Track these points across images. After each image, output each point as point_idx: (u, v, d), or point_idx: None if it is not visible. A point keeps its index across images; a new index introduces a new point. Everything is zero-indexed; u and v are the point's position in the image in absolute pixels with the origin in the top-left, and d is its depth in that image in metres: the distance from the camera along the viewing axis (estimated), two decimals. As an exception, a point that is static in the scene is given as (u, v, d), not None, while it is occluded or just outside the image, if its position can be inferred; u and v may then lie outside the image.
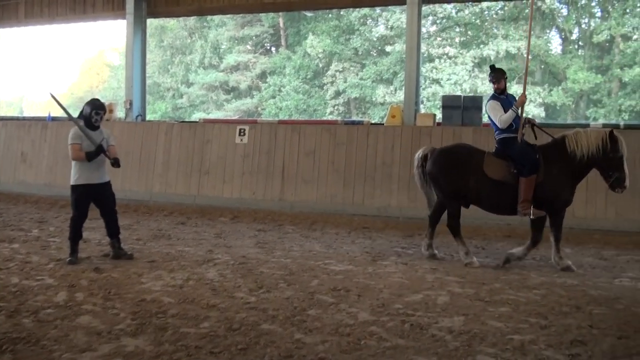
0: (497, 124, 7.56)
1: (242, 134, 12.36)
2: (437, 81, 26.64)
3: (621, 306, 5.78)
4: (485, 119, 11.86)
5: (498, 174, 7.46)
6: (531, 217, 7.37)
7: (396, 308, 5.42)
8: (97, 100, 7.48)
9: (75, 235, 7.19)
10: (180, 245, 8.36)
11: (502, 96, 7.69)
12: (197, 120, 13.91)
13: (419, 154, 8.16)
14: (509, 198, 7.44)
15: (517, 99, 7.67)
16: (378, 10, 28.29)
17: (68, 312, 5.12)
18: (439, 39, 28.21)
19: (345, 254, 7.99)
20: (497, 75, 7.70)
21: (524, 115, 7.74)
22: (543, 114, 25.31)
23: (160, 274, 6.50)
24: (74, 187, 7.21)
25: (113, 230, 7.38)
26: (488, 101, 7.76)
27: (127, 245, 7.73)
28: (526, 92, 7.79)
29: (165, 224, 10.30)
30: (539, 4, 26.30)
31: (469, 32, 28.48)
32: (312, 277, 6.53)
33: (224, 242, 8.67)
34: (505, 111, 7.50)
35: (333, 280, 6.44)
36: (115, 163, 7.26)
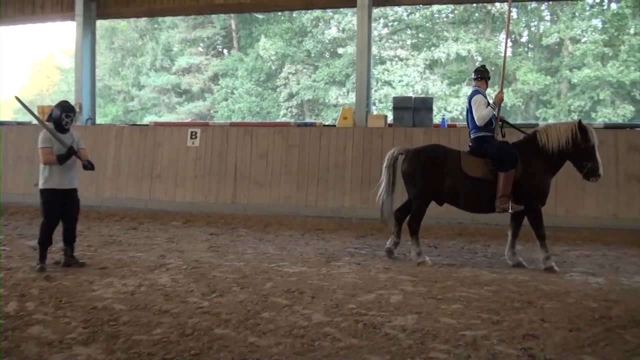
0: (475, 119, 7.58)
1: (193, 137, 12.26)
2: (389, 83, 26.92)
3: (572, 300, 5.92)
4: (436, 120, 12.04)
5: (477, 171, 7.50)
6: (510, 211, 7.41)
7: (350, 308, 5.43)
8: (67, 102, 7.27)
9: (45, 241, 6.99)
10: (132, 251, 8.22)
11: (495, 105, 7.75)
12: (148, 123, 13.79)
13: (391, 153, 8.12)
14: (488, 195, 7.47)
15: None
16: (330, 12, 28.38)
17: (19, 322, 4.98)
18: (390, 41, 28.47)
19: (299, 255, 7.99)
20: (485, 75, 7.87)
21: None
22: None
23: (112, 281, 6.38)
24: (43, 191, 7.01)
25: (70, 238, 7.21)
26: (473, 95, 7.74)
27: (78, 252, 7.55)
28: (503, 91, 7.93)
29: (117, 229, 10.12)
30: (489, 7, 26.81)
31: (420, 35, 28.87)
32: (265, 280, 6.49)
33: (176, 246, 8.57)
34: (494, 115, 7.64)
35: (287, 282, 6.42)
36: (88, 165, 7.09)
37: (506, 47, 8.56)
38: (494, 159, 7.45)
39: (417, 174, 7.74)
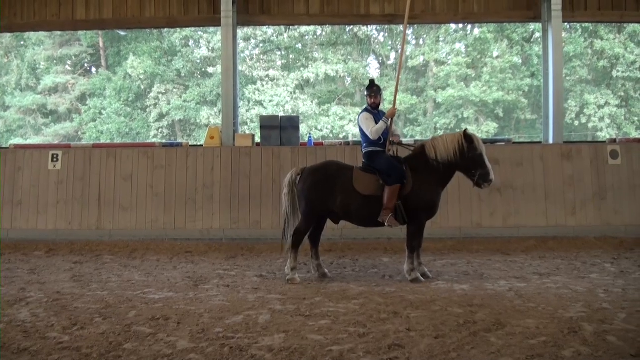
0: (368, 135, 7.63)
1: (55, 159, 11.67)
2: (260, 103, 26.99)
3: (437, 307, 6.12)
4: (303, 139, 12.17)
5: (368, 189, 7.53)
6: (386, 225, 7.45)
7: (216, 332, 5.32)
8: None
9: None
10: (-11, 284, 7.69)
11: (374, 110, 7.85)
12: (7, 146, 12.98)
13: (288, 177, 7.97)
14: (379, 210, 7.47)
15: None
16: (200, 32, 28.15)
17: None
18: (261, 61, 28.60)
19: (166, 280, 7.76)
20: (376, 90, 7.86)
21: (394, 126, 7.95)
22: (362, 132, 26.49)
23: (-34, 320, 5.92)
24: None
25: None
26: (360, 114, 7.84)
27: None
28: (396, 106, 7.96)
29: (-27, 263, 9.43)
30: (356, 30, 27.63)
31: (291, 56, 29.18)
32: (129, 308, 6.24)
33: (37, 278, 8.06)
34: (377, 122, 7.67)
35: (152, 309, 6.20)
36: None
37: (400, 63, 8.55)
38: (382, 173, 7.50)
39: (310, 192, 7.67)
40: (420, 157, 7.64)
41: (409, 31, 28.49)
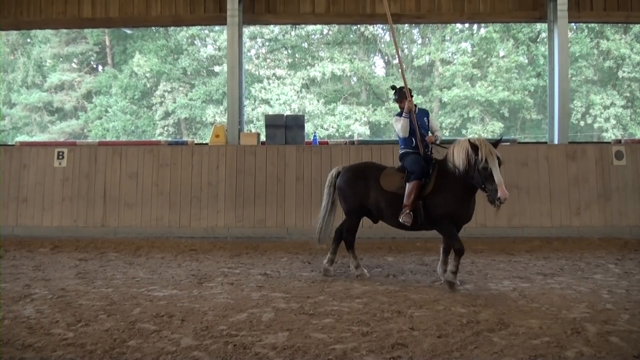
0: (398, 132, 7.61)
1: (60, 157, 11.71)
2: (266, 101, 26.98)
3: (441, 307, 6.14)
4: (308, 138, 12.18)
5: (392, 186, 7.40)
6: (403, 222, 7.20)
7: (220, 330, 5.34)
8: None
9: None
10: (-5, 281, 7.71)
11: (407, 114, 7.53)
12: (14, 143, 13.00)
13: (329, 175, 8.11)
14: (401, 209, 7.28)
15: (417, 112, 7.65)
16: (206, 30, 28.17)
17: None
18: (268, 60, 28.59)
19: (171, 278, 7.77)
20: (400, 95, 7.79)
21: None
22: (368, 132, 26.50)
23: (-29, 316, 5.94)
24: None
25: None
26: (393, 118, 7.79)
27: None
28: (411, 99, 7.63)
29: (-20, 260, 9.47)
30: (362, 29, 27.62)
31: (297, 54, 29.16)
32: (134, 306, 6.26)
33: (42, 274, 8.08)
34: (412, 125, 7.49)
35: (156, 306, 6.22)
36: None
37: (398, 52, 8.40)
38: (406, 170, 7.40)
39: (347, 188, 7.75)
40: (447, 160, 7.23)
41: (415, 30, 28.47)
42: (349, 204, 7.78)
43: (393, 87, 8.03)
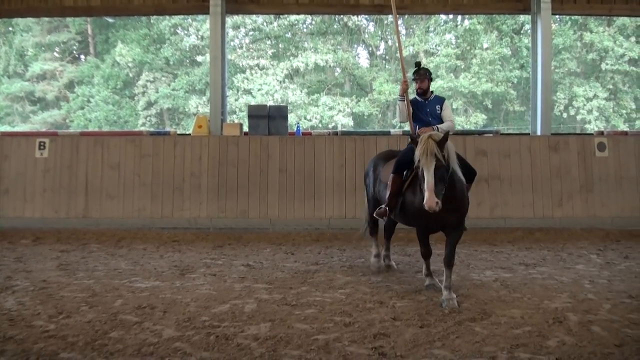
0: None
1: (42, 147, 11.59)
2: (249, 92, 26.91)
3: (423, 297, 6.17)
4: (291, 128, 12.15)
5: (385, 177, 6.82)
6: (376, 217, 6.81)
7: (202, 321, 5.33)
8: None
9: None
10: (-24, 274, 7.63)
11: (421, 98, 7.03)
12: (-5, 134, 12.84)
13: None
14: None
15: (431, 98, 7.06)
16: (189, 19, 28.01)
17: None
18: (251, 49, 28.50)
19: (153, 269, 7.74)
20: (422, 73, 7.02)
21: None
22: (352, 123, 26.52)
23: (-49, 309, 5.88)
24: None
25: None
26: None
27: None
28: (406, 79, 7.10)
29: (-40, 251, 9.36)
30: (345, 19, 27.57)
31: (280, 45, 29.09)
32: (116, 297, 6.24)
33: (24, 266, 8.00)
34: (421, 111, 6.95)
35: (138, 298, 6.20)
36: None
37: (397, 32, 8.00)
38: None
39: (365, 179, 7.69)
40: None
41: (399, 21, 28.43)
42: (366, 193, 7.70)
43: (417, 64, 7.17)
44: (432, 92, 7.18)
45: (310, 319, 5.39)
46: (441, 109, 7.02)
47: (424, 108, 7.00)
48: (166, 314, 5.60)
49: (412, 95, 7.18)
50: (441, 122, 6.94)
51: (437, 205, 5.41)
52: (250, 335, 4.93)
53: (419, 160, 5.64)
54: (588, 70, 27.60)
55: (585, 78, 27.35)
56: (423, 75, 7.05)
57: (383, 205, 6.67)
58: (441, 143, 5.63)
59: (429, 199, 5.43)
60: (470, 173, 6.57)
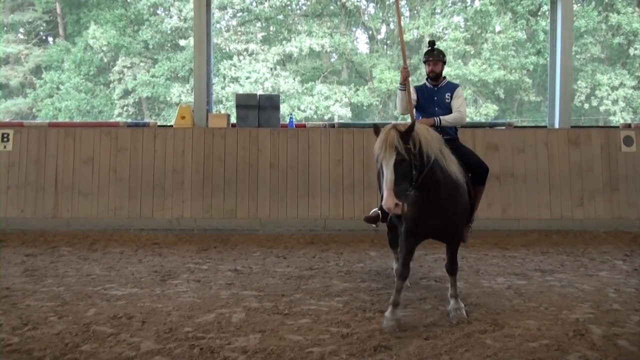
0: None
1: (5, 139, 11.55)
2: (236, 79, 26.88)
3: (428, 306, 6.20)
4: (284, 120, 12.14)
5: None
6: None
7: (185, 332, 5.33)
8: None
9: None
10: None
11: (430, 84, 6.92)
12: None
13: None
14: None
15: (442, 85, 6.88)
16: (169, -2, 28.01)
17: None
18: (238, 33, 28.46)
19: (130, 275, 7.73)
20: (436, 55, 6.86)
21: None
22: (349, 114, 26.51)
23: None
24: None
25: None
26: None
27: None
28: (406, 66, 6.78)
29: None
30: (344, 0, 27.54)
31: (271, 28, 29.04)
32: (88, 306, 6.23)
33: (-16, 272, 8.04)
34: (428, 99, 6.84)
35: (113, 307, 6.19)
36: None
37: (399, 16, 7.70)
38: None
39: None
40: None
41: (402, 2, 28.38)
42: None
43: (431, 43, 7.04)
44: (444, 77, 7.01)
45: (304, 329, 5.39)
46: (451, 98, 6.82)
47: (432, 96, 6.84)
48: (145, 324, 5.59)
49: (421, 82, 7.10)
50: (450, 112, 6.78)
51: (397, 207, 5.00)
52: (238, 347, 4.93)
53: (377, 154, 5.26)
54: (613, 56, 27.63)
55: (610, 65, 27.37)
56: (437, 57, 6.88)
57: (376, 209, 6.63)
58: (405, 134, 5.19)
59: (386, 198, 5.04)
60: (478, 171, 6.38)
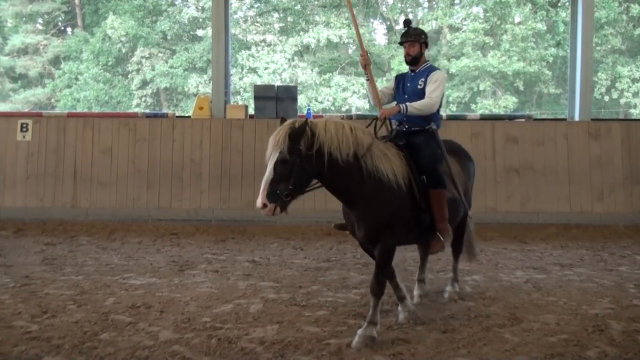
0: None
1: (24, 129, 11.62)
2: (254, 70, 26.83)
3: (447, 299, 6.18)
4: (301, 111, 12.12)
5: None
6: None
7: (203, 322, 5.36)
8: None
9: None
10: (-49, 269, 7.68)
11: (411, 70, 6.04)
12: (-29, 114, 12.82)
13: None
14: None
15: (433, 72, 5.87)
16: (188, -11, 28.01)
17: None
18: (257, 24, 28.42)
19: (148, 265, 7.79)
20: (412, 34, 5.92)
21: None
22: (367, 106, 26.42)
23: None
24: None
25: None
26: None
27: None
28: (364, 54, 5.98)
29: None
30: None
31: (289, 18, 28.97)
32: (107, 295, 6.28)
33: (4, 260, 8.05)
34: (401, 88, 6.06)
35: (132, 296, 6.23)
36: None
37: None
38: None
39: None
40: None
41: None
42: None
43: (407, 23, 6.11)
44: (427, 61, 6.07)
45: (321, 321, 5.41)
46: (425, 83, 5.83)
47: (406, 83, 6.03)
48: (163, 314, 5.63)
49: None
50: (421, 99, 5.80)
51: (266, 209, 4.82)
52: (256, 338, 4.95)
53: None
54: (635, 48, 27.35)
55: (631, 56, 27.09)
56: (413, 37, 5.91)
57: None
58: (295, 132, 4.86)
59: (259, 198, 4.83)
60: (428, 172, 5.51)
